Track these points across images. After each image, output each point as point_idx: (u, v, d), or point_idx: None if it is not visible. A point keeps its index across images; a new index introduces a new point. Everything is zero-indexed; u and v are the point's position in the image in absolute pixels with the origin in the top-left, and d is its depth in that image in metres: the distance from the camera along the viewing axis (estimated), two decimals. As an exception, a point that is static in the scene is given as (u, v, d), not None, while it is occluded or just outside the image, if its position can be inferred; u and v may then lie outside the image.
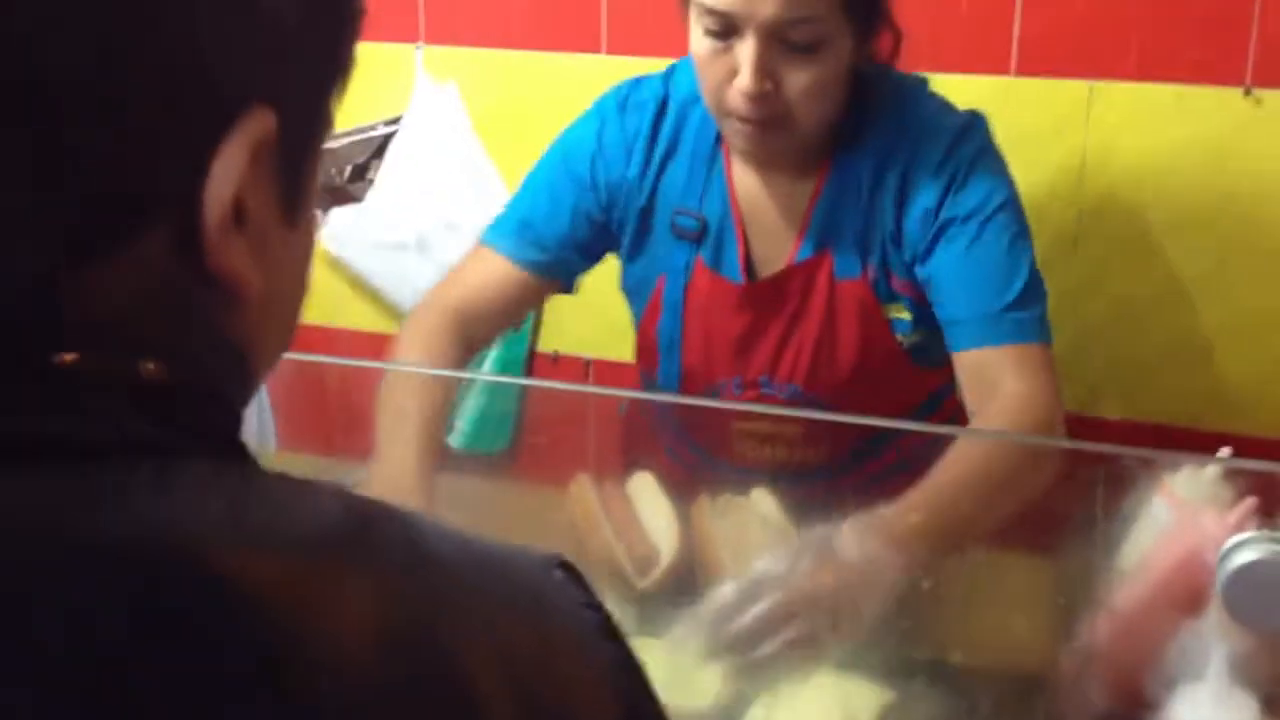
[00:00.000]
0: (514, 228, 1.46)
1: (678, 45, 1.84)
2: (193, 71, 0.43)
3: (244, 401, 0.50)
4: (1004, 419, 1.26)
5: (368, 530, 0.44)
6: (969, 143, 1.36)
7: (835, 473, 1.45)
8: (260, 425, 1.82)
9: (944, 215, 1.32)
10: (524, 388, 2.03)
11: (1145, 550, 1.07)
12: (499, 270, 1.45)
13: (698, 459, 1.51)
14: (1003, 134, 1.71)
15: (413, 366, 1.42)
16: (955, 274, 1.32)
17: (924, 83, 1.41)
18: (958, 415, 1.42)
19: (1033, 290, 1.32)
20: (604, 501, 1.36)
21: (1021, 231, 1.35)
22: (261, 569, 0.40)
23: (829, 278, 1.39)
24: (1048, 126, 1.71)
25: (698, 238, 1.41)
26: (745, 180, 1.40)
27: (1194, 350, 1.70)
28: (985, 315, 1.30)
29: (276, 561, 0.41)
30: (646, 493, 1.38)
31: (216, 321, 0.46)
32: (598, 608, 0.49)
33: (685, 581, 1.30)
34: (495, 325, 1.51)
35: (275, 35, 0.45)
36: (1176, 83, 1.64)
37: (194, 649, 0.38)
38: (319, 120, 0.49)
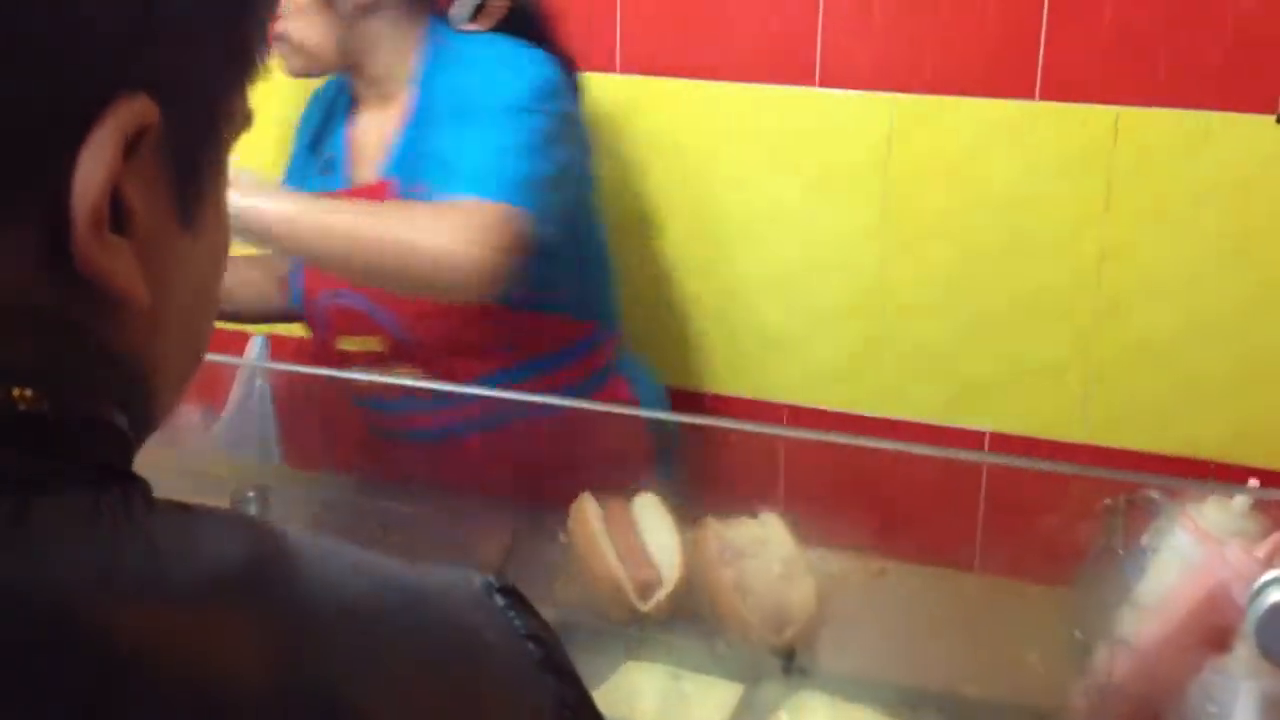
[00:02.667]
0: None
1: (688, 64, 1.83)
2: (53, 52, 0.38)
3: (144, 425, 0.45)
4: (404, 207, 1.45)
5: (265, 575, 0.39)
6: (513, 83, 1.49)
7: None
8: (263, 439, 1.80)
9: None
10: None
11: (1168, 584, 1.03)
12: None
13: (366, 409, 1.64)
14: (1026, 160, 1.69)
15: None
16: (457, 139, 1.45)
17: (496, 37, 1.56)
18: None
19: (520, 169, 1.42)
20: (607, 522, 1.33)
21: (541, 148, 1.45)
22: (135, 624, 0.35)
23: (384, 198, 1.53)
24: (1073, 153, 1.68)
25: (326, 169, 1.63)
26: (357, 119, 1.62)
27: (1217, 385, 1.66)
28: (471, 170, 1.41)
29: (153, 615, 0.36)
30: (650, 514, 1.35)
31: (101, 337, 0.41)
32: (538, 638, 0.45)
33: (688, 605, 1.27)
34: None
35: (150, 16, 0.40)
36: (1204, 109, 1.61)
37: (61, 714, 0.33)
38: (220, 115, 0.44)
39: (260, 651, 0.37)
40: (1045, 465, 1.24)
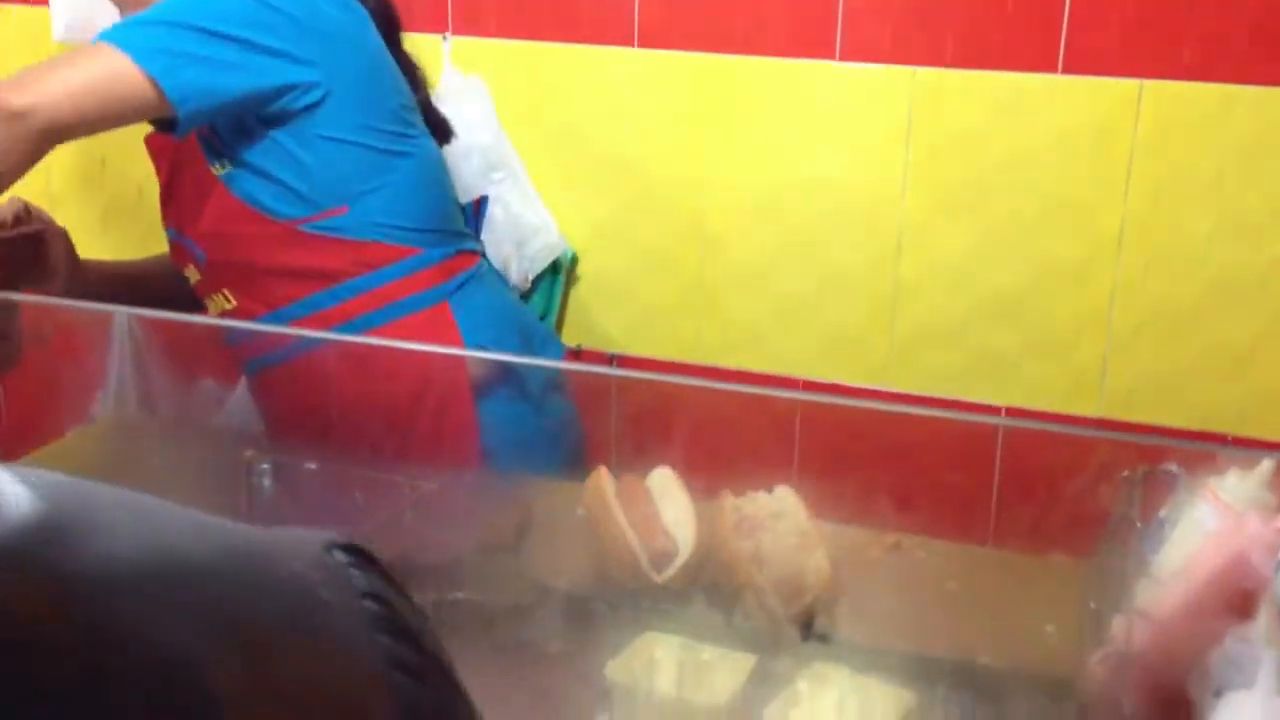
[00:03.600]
0: None
1: (710, 38, 1.82)
2: None
3: None
4: None
5: (65, 538, 0.36)
6: None
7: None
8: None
9: None
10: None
11: (1187, 554, 1.03)
12: None
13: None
14: (1049, 133, 1.68)
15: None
16: None
17: None
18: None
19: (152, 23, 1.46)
20: (622, 494, 1.33)
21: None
22: None
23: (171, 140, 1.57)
24: (1095, 126, 1.66)
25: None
26: None
27: (1236, 358, 1.65)
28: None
29: None
30: (666, 487, 1.35)
31: None
32: (378, 596, 0.42)
33: (703, 577, 1.28)
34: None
35: None
36: (1227, 82, 1.59)
37: None
38: None
39: (52, 618, 0.34)
40: (1062, 429, 1.23)
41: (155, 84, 1.42)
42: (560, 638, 1.24)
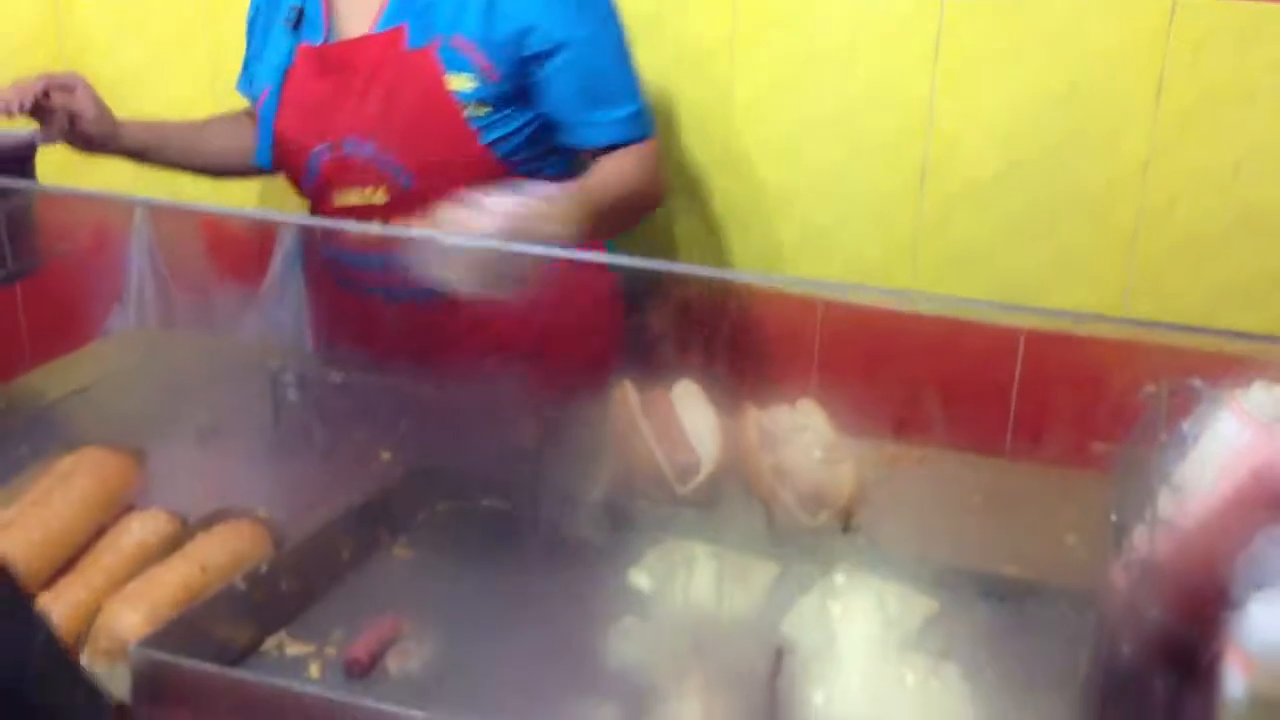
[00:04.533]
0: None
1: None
2: None
3: None
4: (616, 166, 1.57)
5: None
6: None
7: None
8: (297, 323, 1.81)
9: (549, 36, 1.54)
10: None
11: (1212, 466, 1.03)
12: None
13: (336, 259, 1.68)
14: (1077, 54, 1.66)
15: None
16: (571, 87, 1.56)
17: None
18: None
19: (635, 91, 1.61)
20: (647, 408, 1.34)
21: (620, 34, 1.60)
22: None
23: (400, 46, 1.56)
24: (1125, 46, 1.65)
25: (297, 23, 1.62)
26: None
27: (1267, 282, 1.65)
28: (609, 120, 1.59)
29: None
30: (690, 400, 1.36)
31: None
32: None
33: (727, 490, 1.29)
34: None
35: None
36: (1261, 0, 1.58)
37: None
38: None
39: None
40: (1088, 321, 1.23)
41: None
42: (584, 545, 1.26)
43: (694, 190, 1.93)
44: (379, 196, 1.59)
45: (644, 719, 1.00)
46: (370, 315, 1.66)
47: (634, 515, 1.29)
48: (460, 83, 1.55)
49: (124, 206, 1.50)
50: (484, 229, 1.26)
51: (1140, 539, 1.05)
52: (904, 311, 1.76)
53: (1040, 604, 1.17)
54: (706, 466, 1.30)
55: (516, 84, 1.55)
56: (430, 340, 1.63)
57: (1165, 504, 1.05)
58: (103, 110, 1.60)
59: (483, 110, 1.56)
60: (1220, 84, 1.63)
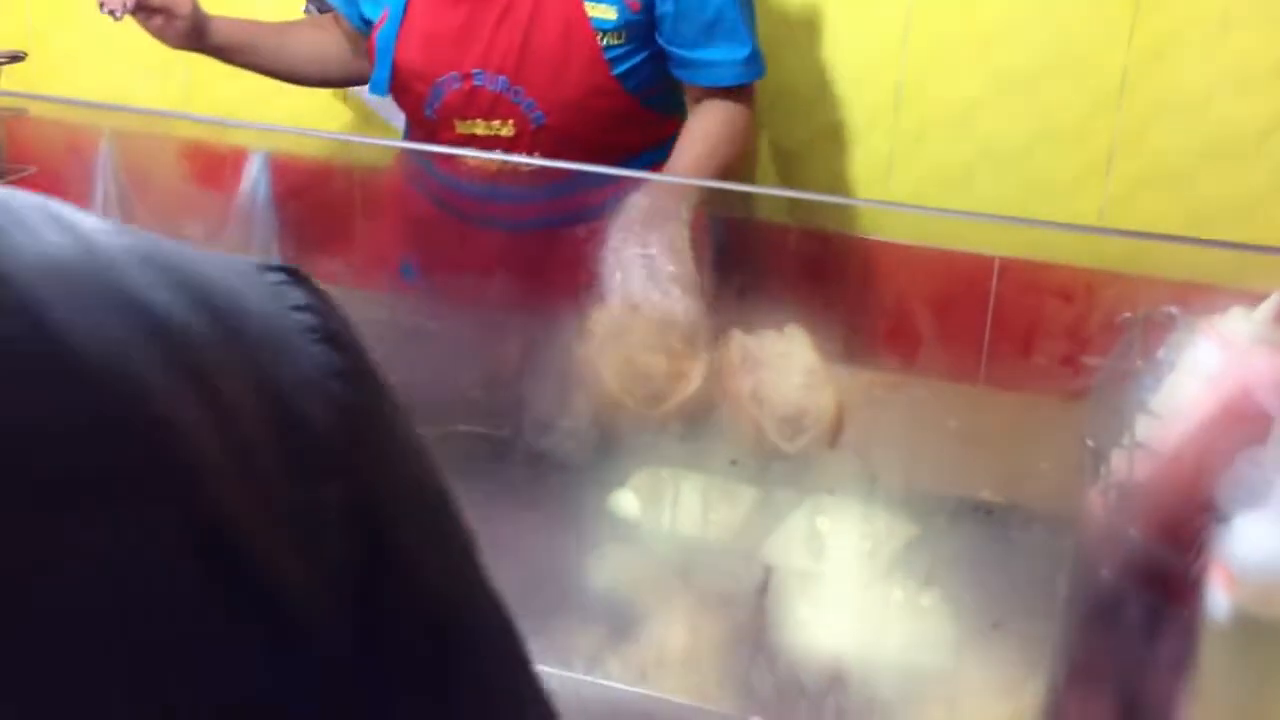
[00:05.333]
0: None
1: None
2: None
3: None
4: (708, 122, 1.56)
5: None
6: None
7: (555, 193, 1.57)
8: (264, 242, 1.78)
9: None
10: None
11: (1188, 391, 1.05)
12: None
13: (442, 184, 1.66)
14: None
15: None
16: (698, 21, 1.52)
17: None
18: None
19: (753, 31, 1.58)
20: (627, 329, 1.33)
21: None
22: None
23: None
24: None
25: None
26: None
27: (1237, 209, 1.66)
28: (729, 61, 1.55)
29: None
30: (674, 321, 1.36)
31: None
32: (314, 309, 0.41)
33: (706, 413, 1.29)
34: None
35: None
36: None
37: None
38: None
39: None
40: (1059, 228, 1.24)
41: None
42: (566, 470, 1.26)
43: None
44: (507, 129, 1.56)
45: (632, 640, 1.01)
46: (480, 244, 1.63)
47: (616, 440, 1.29)
48: (601, 11, 1.51)
49: (95, 111, 1.47)
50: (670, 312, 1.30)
51: (1118, 463, 1.07)
52: (880, 239, 1.77)
53: (1018, 528, 1.19)
54: (685, 389, 1.30)
55: (650, 14, 1.52)
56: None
57: (1143, 428, 1.06)
58: (197, 6, 1.56)
59: (618, 41, 1.53)
60: (1195, 8, 1.63)
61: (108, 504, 0.33)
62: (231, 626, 0.36)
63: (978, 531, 1.19)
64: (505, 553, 1.13)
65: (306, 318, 0.41)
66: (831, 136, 1.83)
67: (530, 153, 1.55)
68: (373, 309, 1.52)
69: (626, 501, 1.24)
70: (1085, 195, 1.73)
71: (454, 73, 1.55)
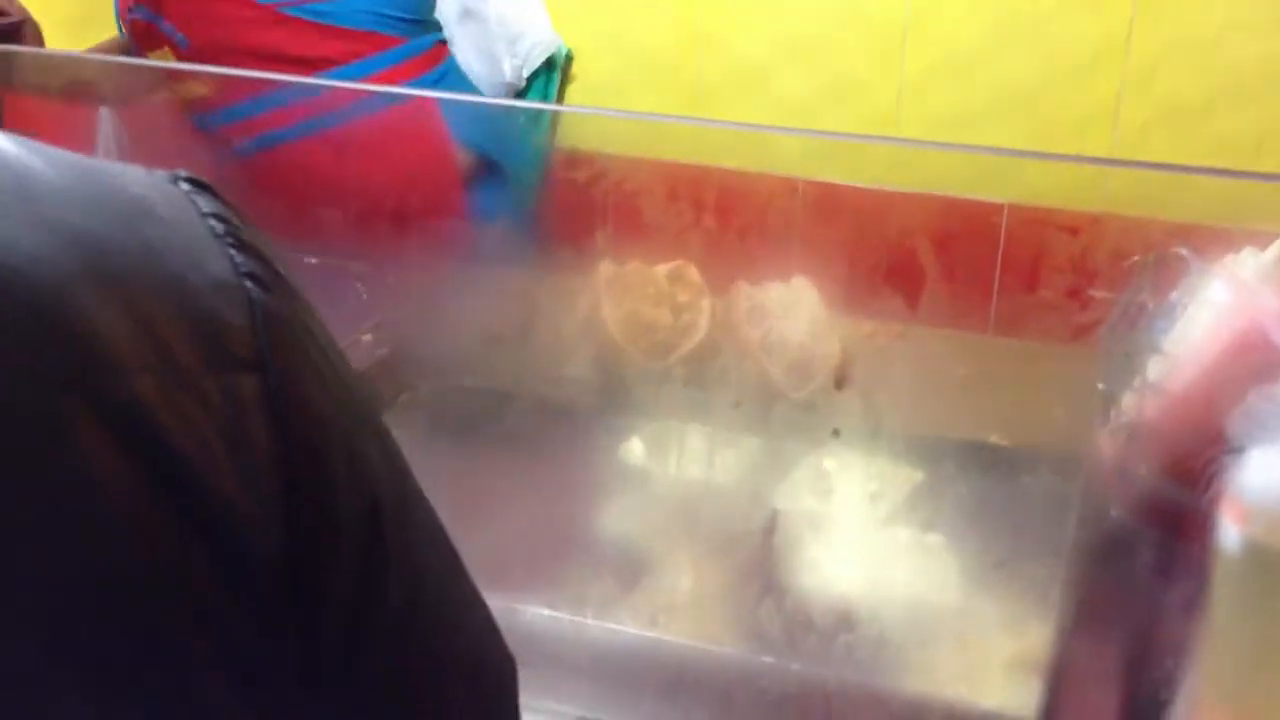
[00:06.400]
0: None
1: None
2: None
3: None
4: None
5: None
6: None
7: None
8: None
9: None
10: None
11: (1201, 331, 1.04)
12: None
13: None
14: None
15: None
16: None
17: None
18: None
19: None
20: (627, 281, 1.33)
21: None
22: None
23: None
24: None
25: None
26: None
27: (1249, 150, 1.64)
28: None
29: None
30: (678, 275, 1.35)
31: None
32: (224, 218, 0.42)
33: (713, 364, 1.29)
34: None
35: None
36: None
37: None
38: None
39: None
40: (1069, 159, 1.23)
41: None
42: (572, 422, 1.26)
43: (659, 68, 1.90)
44: (169, 57, 1.59)
45: (642, 585, 1.01)
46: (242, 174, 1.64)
47: (623, 392, 1.29)
48: None
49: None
50: None
51: (1129, 404, 1.06)
52: (884, 189, 1.75)
53: (1026, 472, 1.18)
54: (692, 339, 1.30)
55: None
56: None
57: (1154, 370, 1.05)
58: None
59: None
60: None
61: (21, 401, 0.34)
62: (161, 512, 0.36)
63: (986, 475, 1.18)
64: (515, 505, 1.14)
65: (216, 224, 0.41)
66: (838, 84, 1.82)
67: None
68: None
69: (634, 451, 1.23)
70: (1094, 138, 1.71)
71: (127, 5, 1.60)
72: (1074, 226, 1.51)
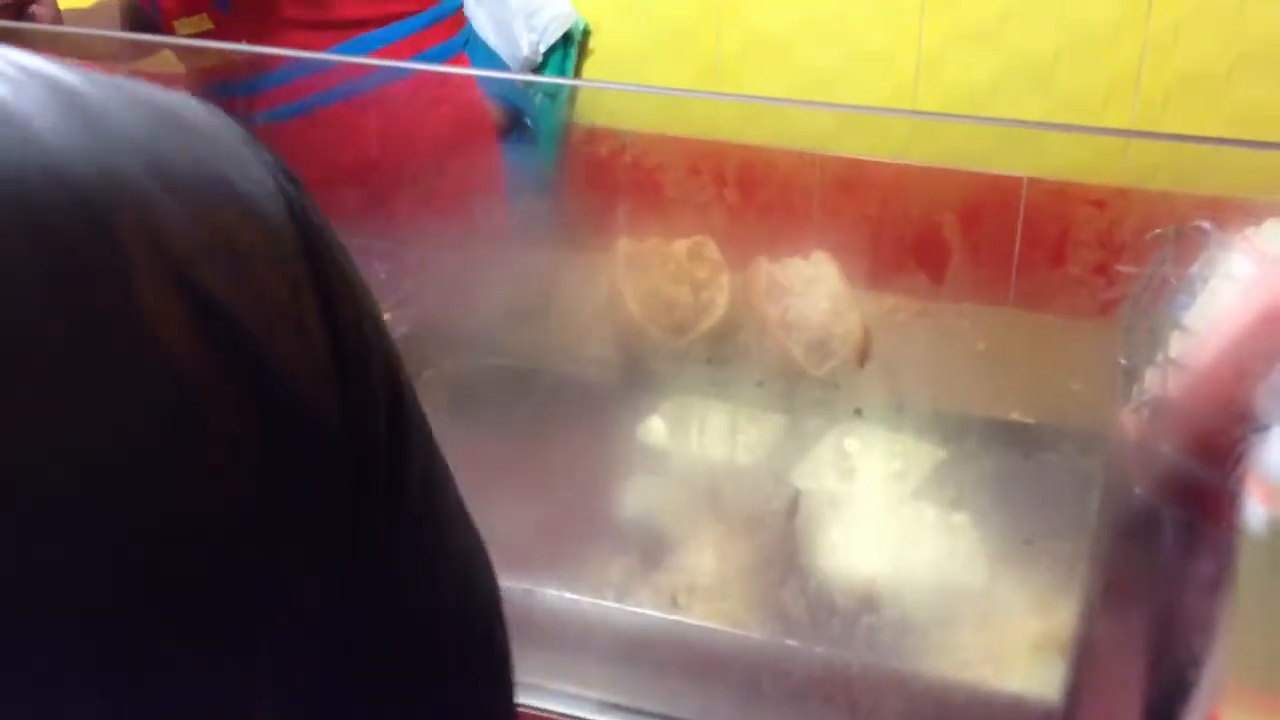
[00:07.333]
0: None
1: None
2: None
3: None
4: None
5: None
6: None
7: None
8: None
9: None
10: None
11: (1223, 305, 1.03)
12: None
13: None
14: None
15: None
16: None
17: None
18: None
19: None
20: (647, 259, 1.32)
21: None
22: None
23: None
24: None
25: None
26: None
27: (1266, 123, 1.62)
28: None
29: None
30: (698, 251, 1.35)
31: None
32: (250, 133, 0.44)
33: (734, 341, 1.28)
34: None
35: None
36: None
37: None
38: None
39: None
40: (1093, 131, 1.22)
41: None
42: (593, 401, 1.26)
43: (678, 41, 1.89)
44: (206, 22, 1.56)
45: (663, 567, 1.01)
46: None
47: (642, 370, 1.29)
48: None
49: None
50: None
51: (1151, 381, 1.05)
52: (905, 163, 1.74)
53: (1049, 449, 1.18)
54: (712, 317, 1.30)
55: None
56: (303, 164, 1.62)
57: (1177, 345, 1.04)
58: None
59: None
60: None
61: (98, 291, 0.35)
62: (233, 390, 0.37)
63: (1008, 452, 1.18)
64: (535, 484, 1.14)
65: (244, 133, 0.44)
66: (857, 58, 1.80)
67: (240, 39, 1.53)
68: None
69: (655, 430, 1.23)
70: (1115, 108, 1.69)
71: None
72: (1095, 200, 1.49)
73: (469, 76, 1.61)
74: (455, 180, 1.55)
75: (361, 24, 1.55)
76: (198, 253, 0.37)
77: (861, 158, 1.81)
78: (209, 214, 0.39)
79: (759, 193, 1.59)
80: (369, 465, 0.42)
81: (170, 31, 1.59)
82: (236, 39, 1.55)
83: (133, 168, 0.37)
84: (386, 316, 1.44)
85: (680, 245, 1.35)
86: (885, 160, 1.79)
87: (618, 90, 1.92)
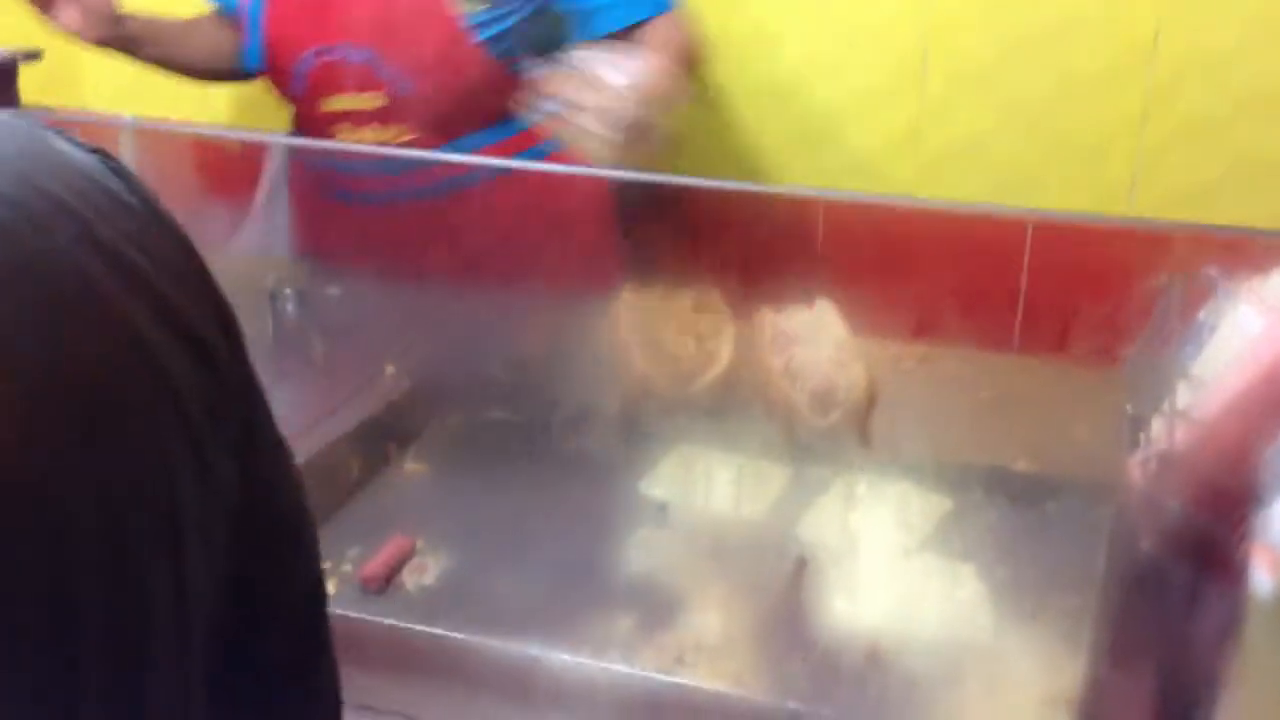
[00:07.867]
0: None
1: None
2: None
3: None
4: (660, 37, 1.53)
5: None
6: None
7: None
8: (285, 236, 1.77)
9: None
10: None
11: (1230, 356, 1.02)
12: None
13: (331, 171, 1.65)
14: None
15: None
16: None
17: None
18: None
19: None
20: (655, 312, 1.32)
21: None
22: None
23: None
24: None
25: None
26: None
27: (1269, 167, 1.62)
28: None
29: None
30: (704, 303, 1.35)
31: None
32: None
33: (737, 391, 1.28)
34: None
35: None
36: None
37: None
38: None
39: None
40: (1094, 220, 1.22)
41: None
42: (596, 455, 1.25)
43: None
44: (372, 101, 1.55)
45: (666, 627, 1.00)
46: (365, 224, 1.63)
47: (646, 423, 1.28)
48: None
49: (109, 128, 1.46)
50: (608, 107, 1.28)
51: (1158, 432, 1.05)
52: (909, 207, 1.74)
53: (1055, 499, 1.17)
54: (716, 368, 1.29)
55: None
56: (431, 245, 1.61)
57: (1183, 396, 1.04)
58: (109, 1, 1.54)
59: (478, 7, 1.51)
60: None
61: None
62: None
63: (1014, 503, 1.17)
64: (537, 541, 1.13)
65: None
66: (857, 104, 1.81)
67: (402, 122, 1.55)
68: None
69: (658, 484, 1.23)
70: (1117, 153, 1.69)
71: (316, 46, 1.55)
72: (1100, 245, 1.49)
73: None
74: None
75: (515, 109, 1.55)
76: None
77: (863, 202, 1.82)
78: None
79: (759, 239, 1.60)
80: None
81: (316, 108, 1.58)
82: (400, 121, 1.55)
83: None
84: (389, 370, 1.43)
85: (684, 296, 1.35)
86: (887, 204, 1.79)
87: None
